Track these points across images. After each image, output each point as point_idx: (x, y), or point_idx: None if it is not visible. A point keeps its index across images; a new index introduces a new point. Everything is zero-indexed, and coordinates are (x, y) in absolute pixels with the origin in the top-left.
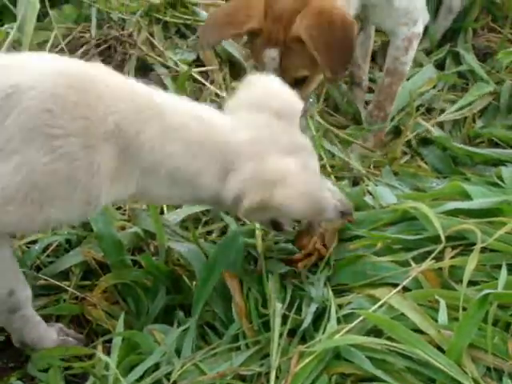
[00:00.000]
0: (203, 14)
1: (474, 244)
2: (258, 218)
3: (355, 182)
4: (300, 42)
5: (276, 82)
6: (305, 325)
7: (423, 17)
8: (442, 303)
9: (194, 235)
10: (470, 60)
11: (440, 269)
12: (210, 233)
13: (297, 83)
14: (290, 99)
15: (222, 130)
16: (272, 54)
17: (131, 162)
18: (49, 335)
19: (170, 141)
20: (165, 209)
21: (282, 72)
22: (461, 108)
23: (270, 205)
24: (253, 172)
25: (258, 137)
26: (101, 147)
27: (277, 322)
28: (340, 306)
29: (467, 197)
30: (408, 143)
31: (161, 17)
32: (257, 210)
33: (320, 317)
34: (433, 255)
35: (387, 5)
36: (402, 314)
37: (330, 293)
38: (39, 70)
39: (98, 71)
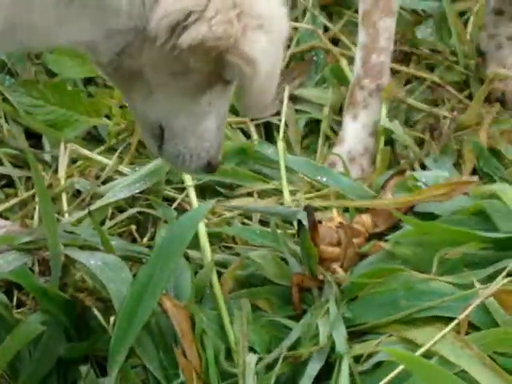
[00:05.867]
0: None
1: None
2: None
3: None
4: None
5: None
6: None
7: None
8: None
9: (104, 237)
10: None
11: None
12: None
13: None
14: None
15: None
16: None
17: None
18: None
19: None
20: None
21: None
22: None
23: (233, 46)
24: None
25: None
26: None
27: None
28: (357, 359)
29: None
30: None
31: None
32: (203, 51)
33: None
34: (508, 268)
35: None
36: (462, 370)
37: (342, 337)
38: None
39: None
